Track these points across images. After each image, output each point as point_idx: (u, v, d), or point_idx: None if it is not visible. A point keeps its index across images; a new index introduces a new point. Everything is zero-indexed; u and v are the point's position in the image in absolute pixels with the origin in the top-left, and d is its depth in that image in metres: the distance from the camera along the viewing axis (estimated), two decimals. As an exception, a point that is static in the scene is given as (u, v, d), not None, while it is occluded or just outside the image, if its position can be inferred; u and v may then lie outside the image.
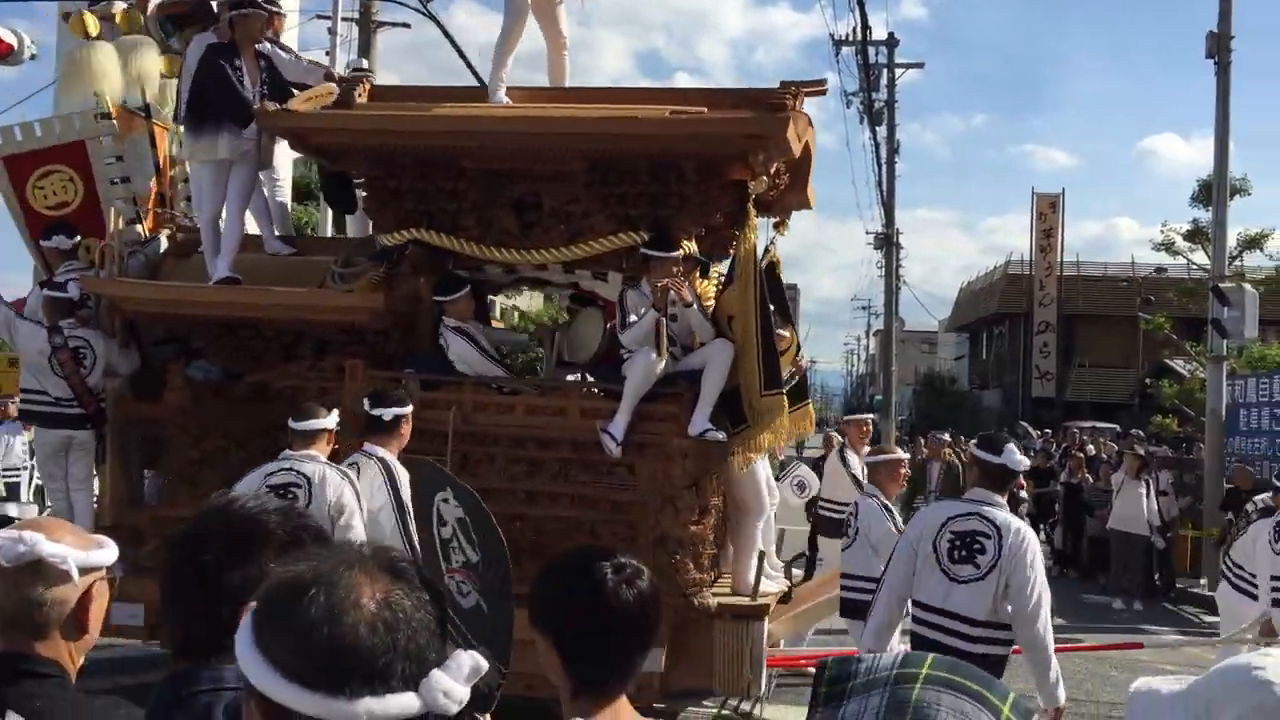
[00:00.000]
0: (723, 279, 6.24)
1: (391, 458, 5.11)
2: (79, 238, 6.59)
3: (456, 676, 1.10)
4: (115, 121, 6.79)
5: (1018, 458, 4.53)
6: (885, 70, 26.84)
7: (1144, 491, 12.02)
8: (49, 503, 6.64)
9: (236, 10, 6.48)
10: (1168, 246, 24.19)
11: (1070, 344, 33.22)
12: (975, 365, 43.20)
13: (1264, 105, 74.46)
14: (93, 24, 6.88)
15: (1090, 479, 14.58)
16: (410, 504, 4.94)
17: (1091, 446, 17.37)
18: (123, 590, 5.97)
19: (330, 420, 5.16)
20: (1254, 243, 22.95)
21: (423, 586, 1.13)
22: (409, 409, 5.22)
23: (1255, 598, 6.41)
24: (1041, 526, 14.72)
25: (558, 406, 5.98)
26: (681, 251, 5.90)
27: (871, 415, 8.61)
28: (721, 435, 5.69)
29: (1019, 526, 4.35)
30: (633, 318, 5.77)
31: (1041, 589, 4.25)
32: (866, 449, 7.73)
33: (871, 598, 5.46)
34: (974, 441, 4.74)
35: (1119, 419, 24.68)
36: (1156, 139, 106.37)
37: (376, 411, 5.22)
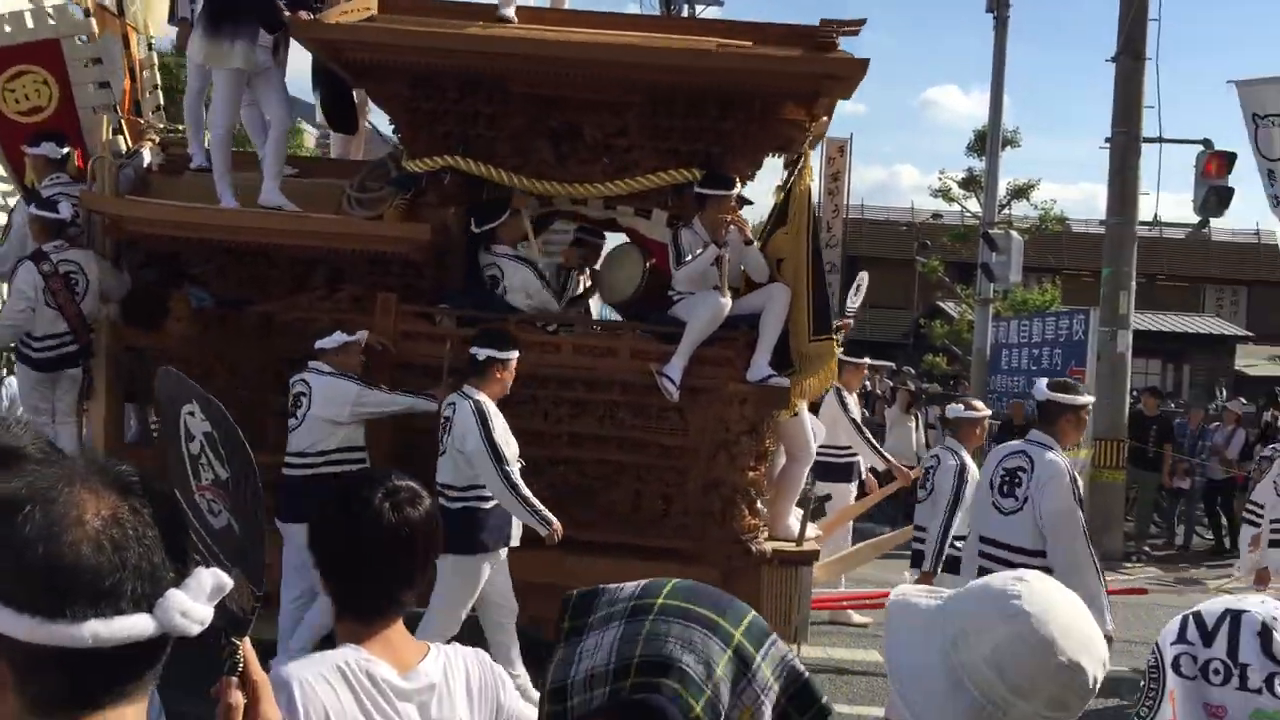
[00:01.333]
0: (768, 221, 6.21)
1: (486, 400, 4.96)
2: (68, 148, 6.01)
3: (197, 596, 1.04)
4: (93, 19, 6.18)
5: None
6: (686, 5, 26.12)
7: (913, 425, 12.57)
8: None
9: None
10: (944, 193, 25.33)
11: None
12: None
13: (1037, 63, 79.88)
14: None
15: (868, 413, 15.26)
16: (504, 447, 4.87)
17: (868, 383, 18.17)
18: None
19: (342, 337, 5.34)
20: (1021, 192, 24.19)
21: (159, 502, 1.08)
22: (500, 354, 5.07)
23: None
24: None
25: (607, 347, 5.86)
26: (738, 189, 5.83)
27: (866, 359, 8.68)
28: (785, 381, 5.71)
29: (1050, 459, 4.48)
30: (689, 256, 5.69)
31: (1065, 518, 4.38)
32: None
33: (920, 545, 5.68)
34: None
35: (895, 357, 26.33)
36: (939, 90, 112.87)
37: (472, 350, 5.08)
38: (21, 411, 6.07)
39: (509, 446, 5.02)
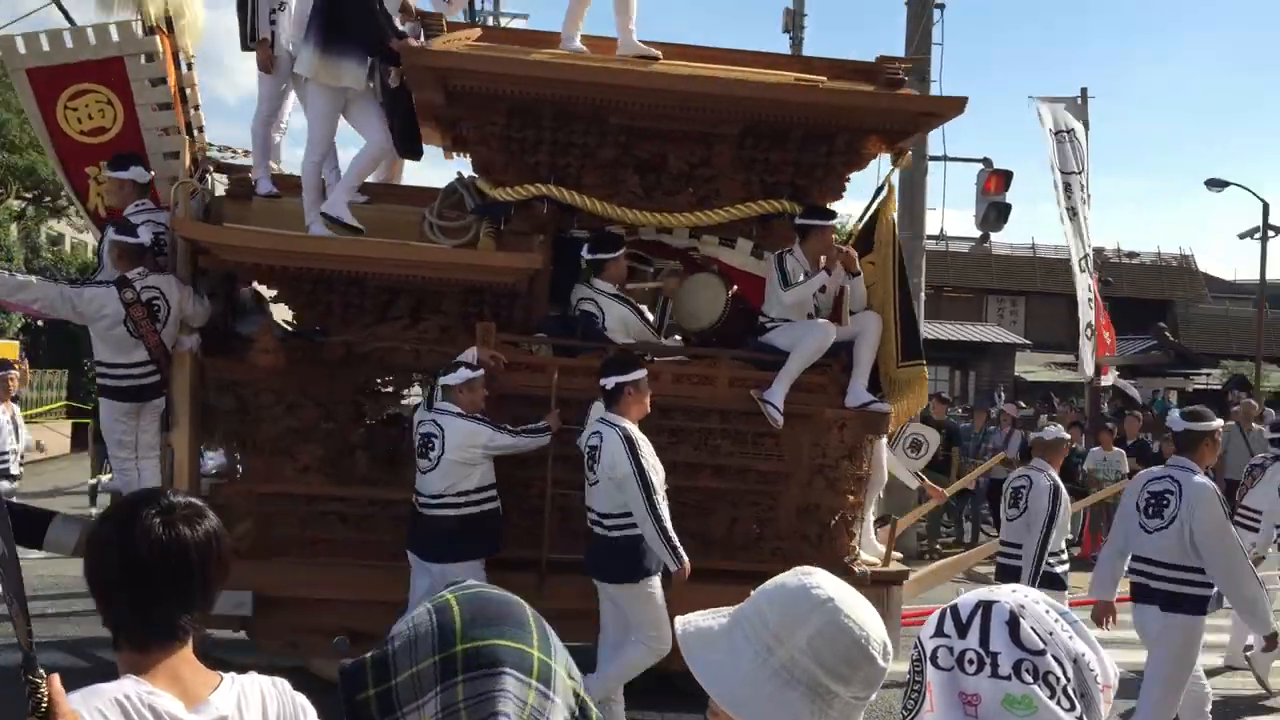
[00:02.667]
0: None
1: (632, 427, 5.08)
2: (154, 172, 5.82)
3: None
4: (157, 38, 6.00)
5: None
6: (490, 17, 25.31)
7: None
8: (111, 474, 5.85)
9: None
10: None
11: None
12: None
13: None
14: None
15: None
16: (651, 473, 4.99)
17: None
18: None
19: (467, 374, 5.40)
20: None
21: None
22: (630, 376, 5.18)
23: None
24: None
25: (705, 375, 6.01)
26: (837, 221, 6.09)
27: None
28: (885, 406, 5.98)
29: (1199, 482, 4.92)
30: (797, 282, 5.90)
31: (1222, 535, 4.81)
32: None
33: (1014, 562, 6.03)
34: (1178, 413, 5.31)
35: None
36: None
37: (601, 382, 5.17)
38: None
39: (657, 474, 5.13)
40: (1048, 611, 1.32)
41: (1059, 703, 1.27)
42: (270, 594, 5.62)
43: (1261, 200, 21.29)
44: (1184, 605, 4.94)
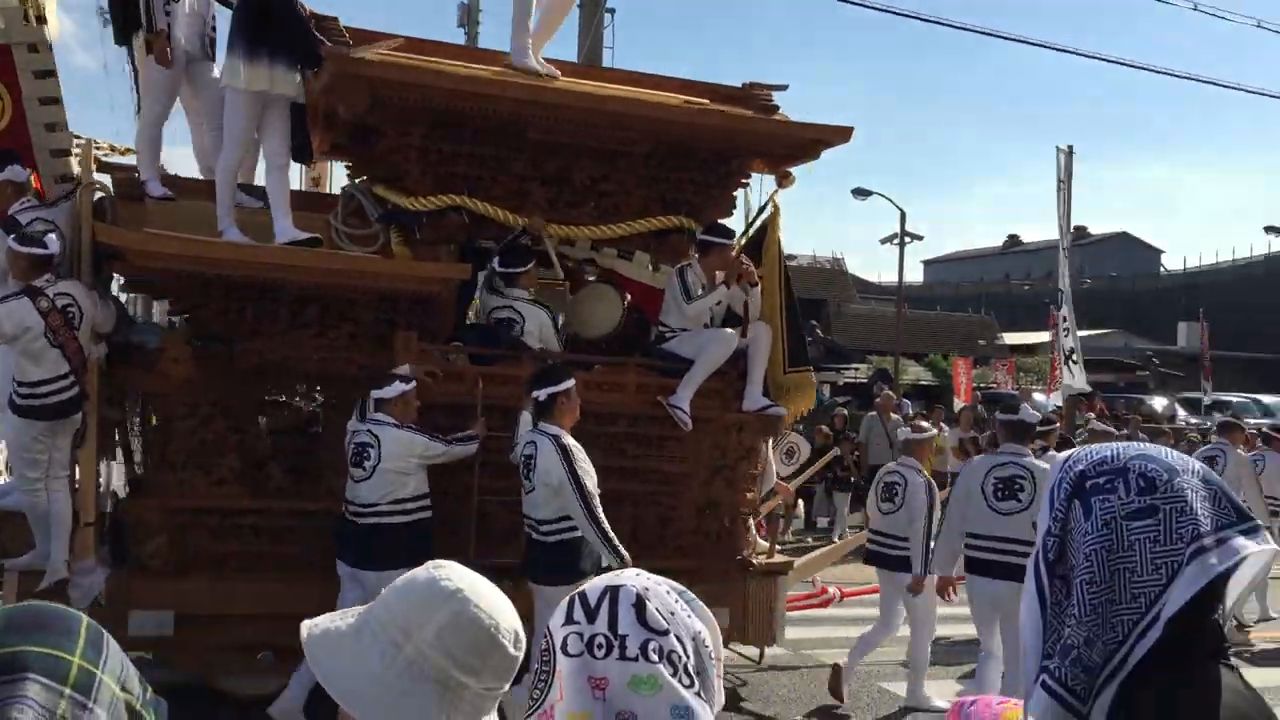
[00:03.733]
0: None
1: (565, 435, 5.36)
2: (29, 170, 5.53)
3: None
4: (46, 27, 5.71)
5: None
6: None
7: None
8: (19, 495, 5.48)
9: None
10: None
11: None
12: None
13: None
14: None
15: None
16: (586, 478, 5.30)
17: None
18: (140, 595, 5.44)
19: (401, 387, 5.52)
20: None
21: None
22: (561, 386, 5.46)
23: None
24: None
25: (614, 382, 6.37)
26: (735, 239, 6.60)
27: None
28: (782, 410, 6.54)
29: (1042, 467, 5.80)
30: (697, 294, 6.36)
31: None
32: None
33: (896, 551, 6.74)
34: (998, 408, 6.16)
35: None
36: None
37: (534, 394, 5.41)
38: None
39: (590, 478, 5.44)
40: (669, 592, 1.36)
41: (680, 680, 1.30)
42: (189, 612, 5.50)
43: (899, 209, 23.47)
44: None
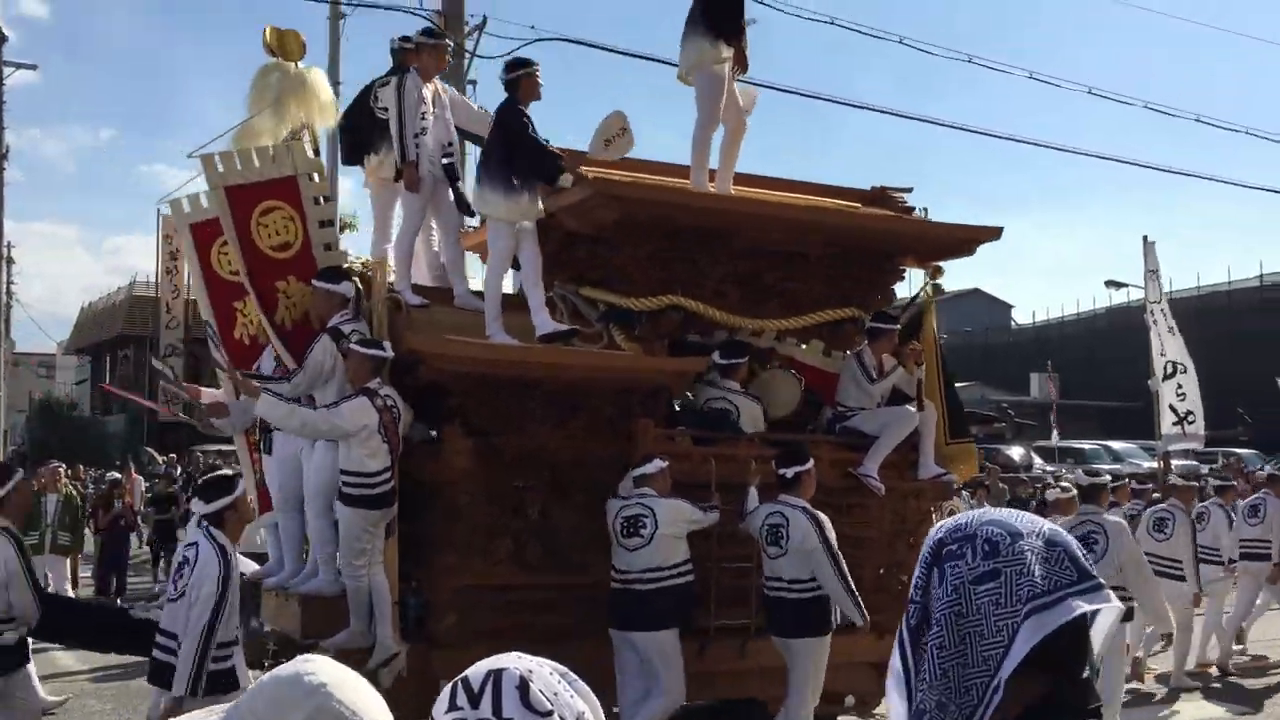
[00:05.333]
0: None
1: (811, 508, 6.23)
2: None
3: None
4: (323, 157, 6.48)
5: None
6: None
7: None
8: (322, 580, 6.10)
9: (431, 40, 6.82)
10: None
11: (198, 366, 35.09)
12: (99, 390, 42.30)
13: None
14: (298, 47, 6.46)
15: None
16: (834, 543, 6.18)
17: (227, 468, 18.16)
18: (441, 667, 6.11)
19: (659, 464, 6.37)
20: None
21: None
22: (806, 465, 6.34)
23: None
24: (161, 552, 15.91)
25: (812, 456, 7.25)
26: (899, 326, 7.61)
27: None
28: (954, 477, 7.49)
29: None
30: (876, 377, 7.31)
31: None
32: None
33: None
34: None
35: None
36: None
37: (780, 471, 6.28)
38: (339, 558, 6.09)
39: (835, 543, 6.31)
40: (551, 673, 1.39)
41: None
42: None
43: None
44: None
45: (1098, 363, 40.22)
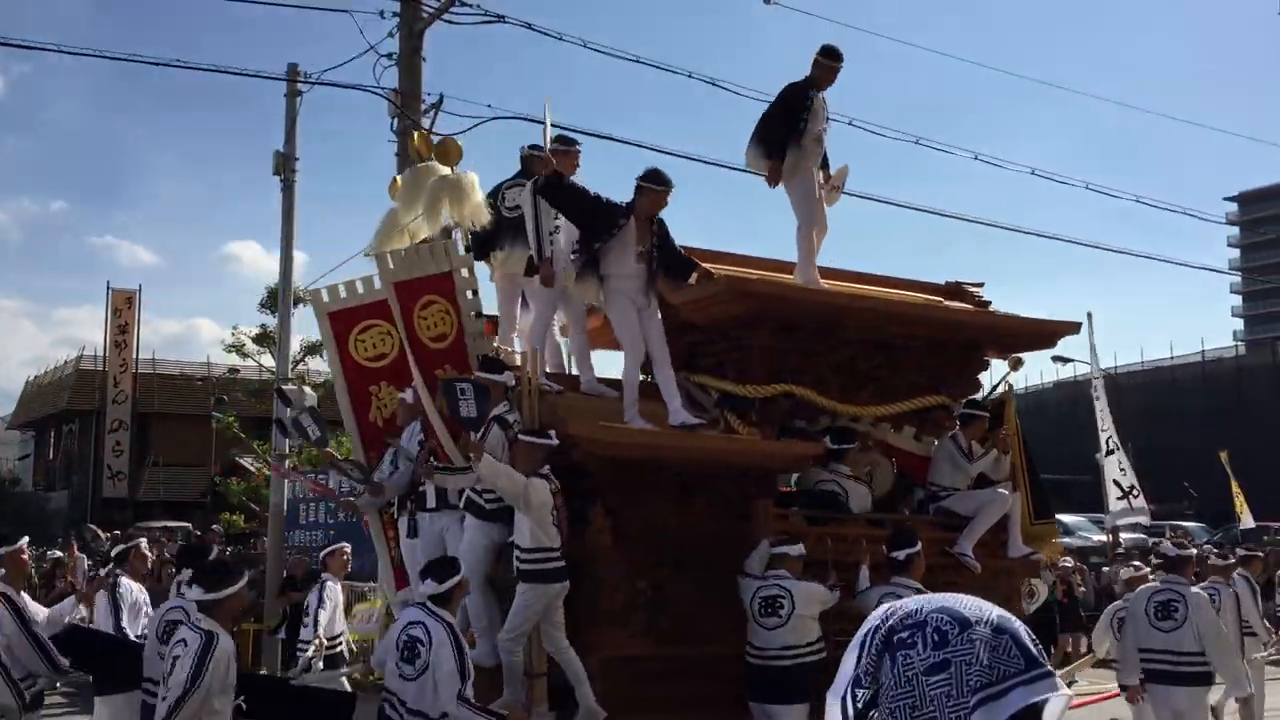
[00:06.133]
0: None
1: (921, 586, 6.72)
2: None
3: None
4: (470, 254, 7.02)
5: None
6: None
7: None
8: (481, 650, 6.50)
9: (564, 147, 7.46)
10: (238, 349, 27.08)
11: (145, 442, 35.25)
12: (41, 465, 42.86)
13: (334, 224, 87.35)
14: (457, 153, 7.05)
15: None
16: None
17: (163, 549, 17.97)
18: None
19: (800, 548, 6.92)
20: (315, 349, 25.57)
21: None
22: (917, 547, 6.85)
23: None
24: None
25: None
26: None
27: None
28: (1041, 556, 8.01)
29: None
30: (972, 460, 7.86)
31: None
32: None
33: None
34: None
35: (192, 517, 27.15)
36: (239, 245, 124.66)
37: (893, 553, 6.79)
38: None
39: None
40: None
41: None
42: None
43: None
44: None
45: (1045, 436, 41.23)
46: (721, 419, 7.61)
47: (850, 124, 15.23)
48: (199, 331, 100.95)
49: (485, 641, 6.62)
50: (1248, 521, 22.12)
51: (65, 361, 38.88)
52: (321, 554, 11.27)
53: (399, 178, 7.81)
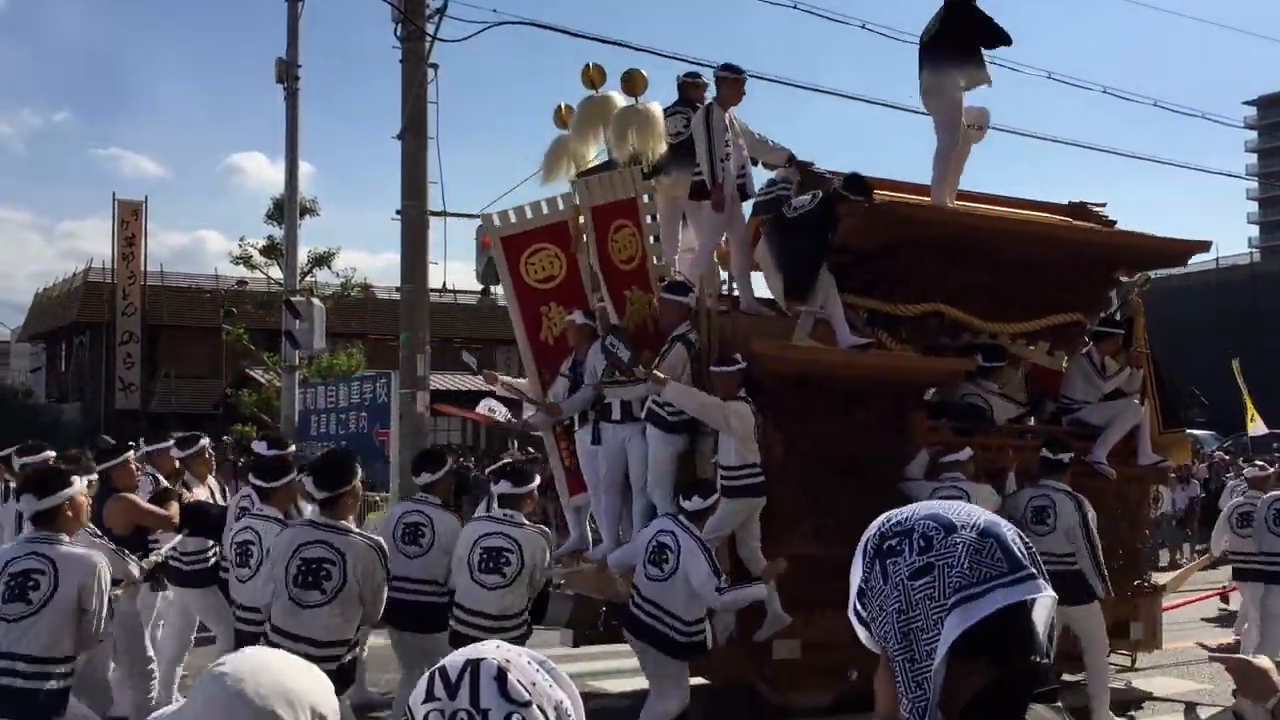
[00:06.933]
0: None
1: (1070, 488, 7.28)
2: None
3: None
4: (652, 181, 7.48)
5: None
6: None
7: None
8: None
9: (731, 75, 7.79)
10: (246, 260, 27.06)
11: (155, 355, 35.31)
12: (54, 377, 42.35)
13: (339, 135, 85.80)
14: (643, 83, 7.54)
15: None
16: (1092, 522, 7.19)
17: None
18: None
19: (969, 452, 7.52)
20: (322, 260, 26.85)
21: None
22: (1068, 455, 7.36)
23: None
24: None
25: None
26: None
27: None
28: (1170, 463, 8.54)
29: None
30: (1106, 376, 8.34)
31: None
32: None
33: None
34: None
35: (205, 429, 26.44)
36: (244, 156, 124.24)
37: (1059, 456, 7.30)
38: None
39: (1095, 522, 7.33)
40: (529, 663, 1.41)
41: None
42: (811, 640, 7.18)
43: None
44: None
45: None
46: (875, 337, 8.09)
47: (864, 27, 15.35)
48: (205, 244, 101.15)
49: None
50: (1258, 429, 22.30)
51: (74, 274, 38.18)
52: None
53: (564, 105, 8.20)
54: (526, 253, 7.83)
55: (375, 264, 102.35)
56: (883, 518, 1.51)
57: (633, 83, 7.65)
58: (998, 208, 8.80)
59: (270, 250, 25.37)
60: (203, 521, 7.00)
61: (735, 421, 6.74)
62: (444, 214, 13.08)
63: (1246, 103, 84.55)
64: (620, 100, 7.72)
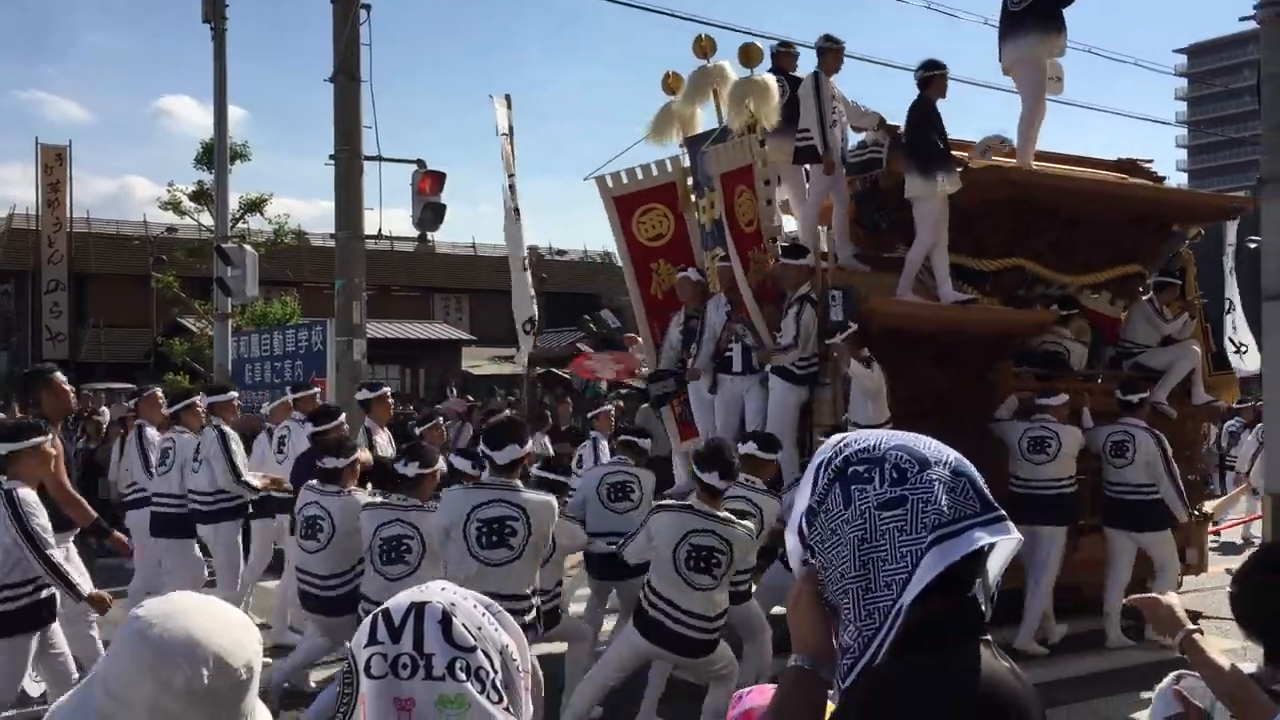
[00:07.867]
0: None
1: (1148, 425, 8.04)
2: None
3: None
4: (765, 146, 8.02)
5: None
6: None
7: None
8: None
9: (832, 45, 8.33)
10: (175, 206, 26.02)
11: (83, 303, 34.65)
12: None
13: (272, 79, 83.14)
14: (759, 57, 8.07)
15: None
16: (1171, 455, 7.96)
17: (106, 409, 17.09)
18: None
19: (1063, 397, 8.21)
20: (255, 206, 25.92)
21: None
22: (1146, 393, 8.12)
23: None
24: None
25: (1109, 389, 9.02)
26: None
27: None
28: (1222, 403, 9.34)
29: None
30: (1169, 321, 9.09)
31: None
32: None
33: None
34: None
35: (135, 378, 25.77)
36: (172, 99, 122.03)
37: (1131, 395, 8.05)
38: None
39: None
40: (475, 606, 1.41)
41: (489, 696, 1.35)
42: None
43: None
44: None
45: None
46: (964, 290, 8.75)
47: (928, 7, 15.87)
48: (133, 189, 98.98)
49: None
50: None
51: (-2, 220, 37.08)
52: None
53: (672, 72, 8.69)
54: (638, 212, 8.35)
55: (311, 211, 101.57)
56: (840, 438, 1.50)
57: (749, 55, 8.15)
58: (1063, 166, 9.45)
59: (200, 196, 24.65)
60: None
61: (871, 384, 7.41)
62: (379, 159, 12.80)
63: (1177, 50, 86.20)
64: (732, 71, 8.22)
